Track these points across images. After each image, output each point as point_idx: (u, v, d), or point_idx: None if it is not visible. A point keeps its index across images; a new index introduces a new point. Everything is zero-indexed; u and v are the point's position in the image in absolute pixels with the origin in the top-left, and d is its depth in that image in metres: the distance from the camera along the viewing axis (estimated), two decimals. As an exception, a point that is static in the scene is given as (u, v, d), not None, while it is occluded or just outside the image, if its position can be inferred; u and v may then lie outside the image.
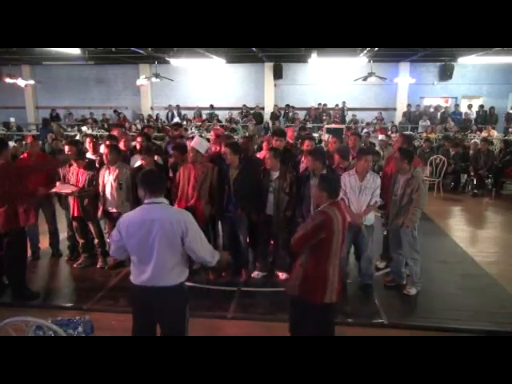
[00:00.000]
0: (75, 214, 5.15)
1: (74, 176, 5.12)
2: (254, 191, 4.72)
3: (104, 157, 5.00)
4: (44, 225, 5.66)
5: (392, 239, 4.72)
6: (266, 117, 15.77)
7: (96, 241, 5.23)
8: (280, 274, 4.93)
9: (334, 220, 2.95)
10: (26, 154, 5.72)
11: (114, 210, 4.95)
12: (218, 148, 5.43)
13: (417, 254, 4.54)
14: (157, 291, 2.70)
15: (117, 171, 4.93)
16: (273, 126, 14.69)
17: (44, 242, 5.75)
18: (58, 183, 5.06)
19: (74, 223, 5.25)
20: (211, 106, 16.05)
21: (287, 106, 15.66)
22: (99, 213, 5.08)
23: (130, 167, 5.16)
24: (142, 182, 2.78)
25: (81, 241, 5.31)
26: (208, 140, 6.23)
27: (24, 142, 10.48)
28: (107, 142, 5.55)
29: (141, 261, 2.71)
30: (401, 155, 4.49)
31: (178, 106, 16.05)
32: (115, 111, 16.25)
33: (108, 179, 4.97)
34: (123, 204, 4.87)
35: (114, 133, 6.33)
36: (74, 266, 5.31)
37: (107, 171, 4.98)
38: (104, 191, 5.00)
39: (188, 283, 4.76)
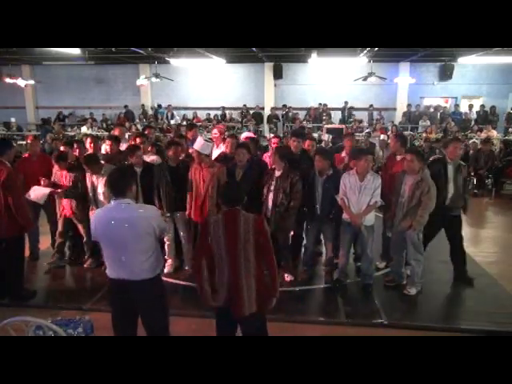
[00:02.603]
0: (67, 214, 5.14)
1: (58, 178, 5.11)
2: (254, 191, 4.71)
3: (86, 169, 4.96)
4: (45, 225, 5.66)
5: (395, 240, 4.70)
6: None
7: (85, 240, 5.21)
8: (285, 275, 4.87)
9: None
10: (27, 154, 5.72)
11: None
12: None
13: (420, 256, 4.52)
14: (134, 284, 2.77)
15: (104, 178, 4.89)
16: (270, 129, 14.69)
17: (45, 243, 5.74)
18: (31, 189, 4.95)
19: (61, 224, 5.24)
20: (159, 105, 16.38)
21: (284, 106, 15.66)
22: (92, 215, 5.05)
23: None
24: (107, 182, 2.87)
25: (59, 240, 5.32)
26: (210, 139, 6.22)
27: (23, 142, 10.48)
28: (108, 142, 5.57)
29: (113, 257, 2.78)
30: (415, 156, 4.37)
31: (160, 105, 16.45)
32: (126, 106, 16.27)
33: (98, 183, 4.94)
34: None
35: (116, 132, 6.34)
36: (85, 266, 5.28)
37: (94, 176, 4.95)
38: (95, 194, 4.97)
39: (189, 283, 4.85)
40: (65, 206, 5.15)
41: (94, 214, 2.88)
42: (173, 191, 4.85)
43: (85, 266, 5.26)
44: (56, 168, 5.14)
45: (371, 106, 15.37)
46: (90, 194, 4.99)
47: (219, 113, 15.77)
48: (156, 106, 16.53)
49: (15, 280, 4.48)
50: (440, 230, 4.87)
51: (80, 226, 5.18)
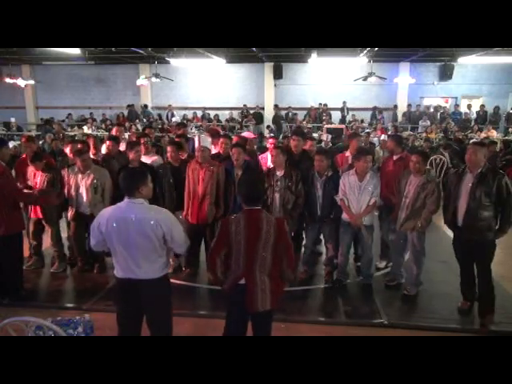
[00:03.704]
0: (35, 216, 5.03)
1: (32, 178, 4.98)
2: None
3: (79, 164, 4.87)
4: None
5: (396, 241, 4.68)
6: (267, 117, 15.78)
7: (52, 243, 5.13)
8: None
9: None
10: (24, 155, 5.70)
11: (88, 212, 4.85)
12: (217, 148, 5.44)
13: (422, 257, 4.50)
14: (141, 284, 2.76)
15: (92, 175, 4.85)
16: (270, 130, 14.70)
17: (44, 243, 5.72)
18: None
19: (31, 225, 5.13)
20: (145, 105, 16.48)
21: (275, 106, 15.72)
22: (70, 215, 5.00)
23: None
24: (119, 180, 2.87)
25: (33, 243, 5.23)
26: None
27: (18, 143, 10.45)
28: (108, 142, 5.56)
29: (122, 256, 2.76)
30: (420, 157, 4.32)
31: (146, 105, 16.63)
32: (129, 106, 16.31)
33: (82, 183, 4.88)
34: (96, 206, 4.77)
35: (113, 132, 6.38)
36: (52, 270, 5.20)
37: (80, 175, 4.88)
38: (77, 194, 4.91)
39: (191, 284, 4.86)
40: (34, 207, 5.01)
41: (102, 212, 2.85)
42: (174, 191, 4.82)
43: (51, 270, 5.19)
44: (31, 168, 4.99)
45: (395, 106, 15.53)
46: (73, 194, 4.91)
47: (199, 113, 15.83)
48: (143, 105, 16.50)
49: (13, 279, 4.47)
50: (466, 257, 4.28)
51: (49, 230, 5.06)
